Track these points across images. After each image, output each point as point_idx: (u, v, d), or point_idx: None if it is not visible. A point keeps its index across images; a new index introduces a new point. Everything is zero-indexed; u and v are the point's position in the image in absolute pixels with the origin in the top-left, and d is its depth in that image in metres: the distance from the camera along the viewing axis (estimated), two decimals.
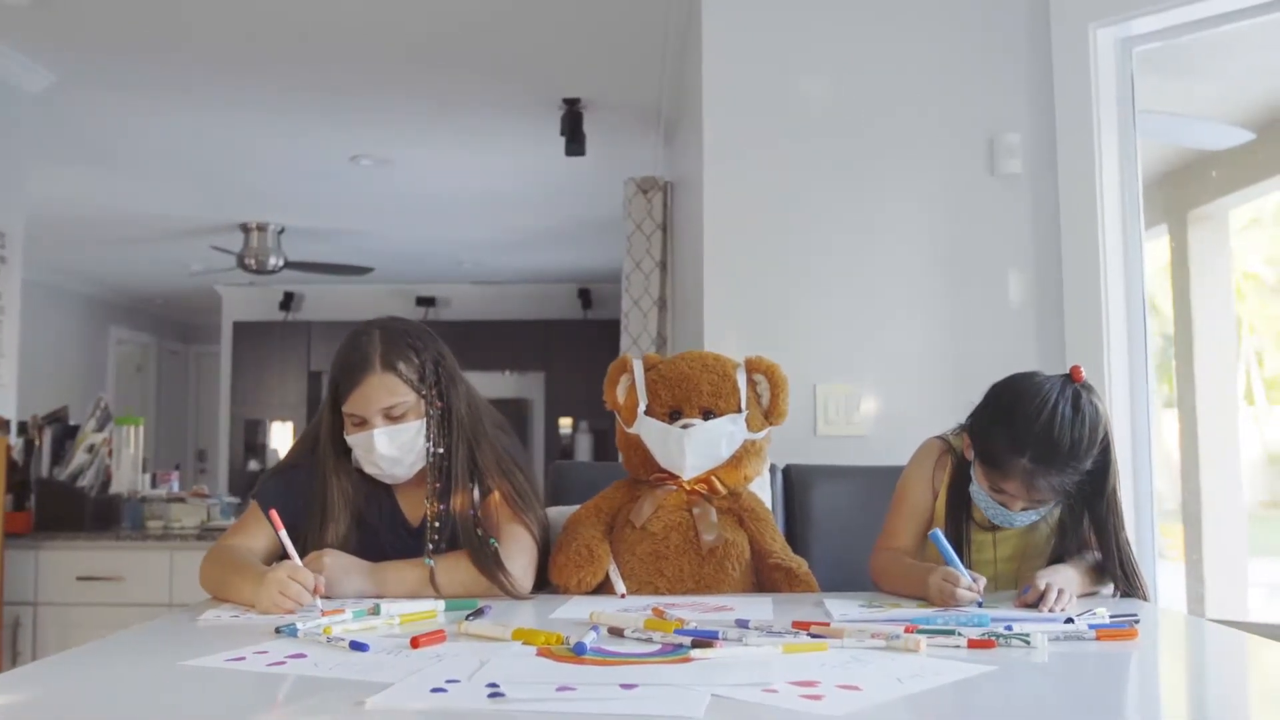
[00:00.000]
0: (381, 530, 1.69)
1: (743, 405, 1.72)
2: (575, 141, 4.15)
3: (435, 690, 0.99)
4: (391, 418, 1.61)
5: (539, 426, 8.58)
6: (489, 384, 8.50)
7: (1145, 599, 1.59)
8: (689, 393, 1.71)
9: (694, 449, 1.67)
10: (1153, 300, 4.51)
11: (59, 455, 3.24)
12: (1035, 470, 1.54)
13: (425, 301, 8.62)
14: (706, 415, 1.70)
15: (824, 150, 2.53)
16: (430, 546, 1.61)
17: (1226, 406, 4.28)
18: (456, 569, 1.59)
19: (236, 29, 3.51)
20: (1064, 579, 1.49)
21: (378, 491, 1.70)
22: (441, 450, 1.64)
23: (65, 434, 3.27)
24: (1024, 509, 1.60)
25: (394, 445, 1.61)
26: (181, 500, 3.39)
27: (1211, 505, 4.15)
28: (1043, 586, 1.44)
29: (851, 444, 2.45)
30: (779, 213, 2.52)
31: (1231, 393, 4.36)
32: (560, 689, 0.99)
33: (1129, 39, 2.45)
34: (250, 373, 8.57)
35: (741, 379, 1.74)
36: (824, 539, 2.06)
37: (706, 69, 2.56)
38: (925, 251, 2.51)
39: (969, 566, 1.65)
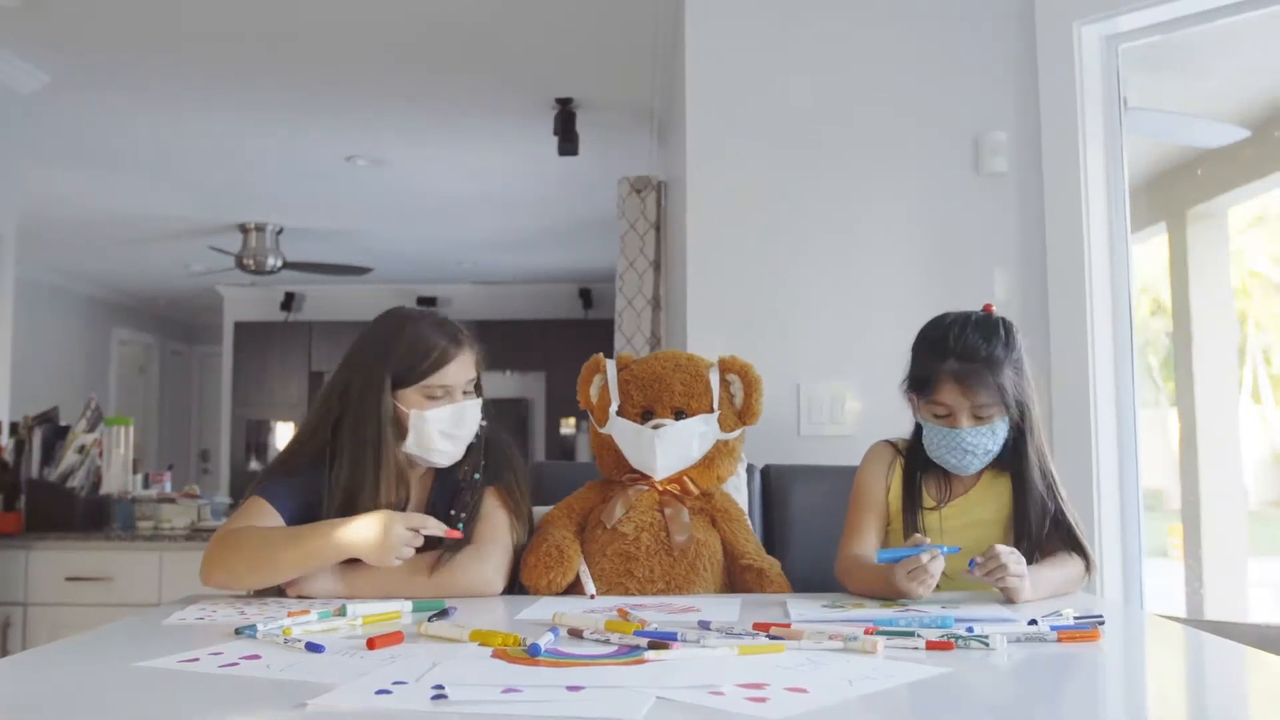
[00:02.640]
0: None
1: (715, 405, 1.72)
2: (568, 141, 4.15)
3: (380, 692, 0.98)
4: (465, 393, 1.67)
5: (540, 426, 8.58)
6: (490, 384, 8.40)
7: (1080, 536, 1.65)
8: (661, 393, 1.70)
9: (665, 449, 1.67)
10: (1157, 299, 4.50)
11: (49, 456, 3.25)
12: (962, 370, 1.63)
13: (426, 301, 8.61)
14: (678, 415, 1.70)
15: (808, 149, 2.52)
16: (462, 512, 1.64)
17: (1226, 404, 4.26)
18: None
19: (229, 30, 3.52)
20: (1020, 559, 1.49)
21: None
22: (485, 424, 1.72)
23: (55, 434, 3.27)
24: (969, 424, 1.64)
25: (475, 419, 1.68)
26: (172, 501, 3.39)
27: (1211, 504, 4.13)
28: (991, 552, 1.46)
29: (835, 444, 2.43)
30: (763, 212, 2.51)
31: (1231, 391, 4.34)
32: (506, 690, 0.98)
33: (1114, 36, 2.44)
34: (252, 373, 8.59)
35: (714, 379, 1.74)
36: (802, 539, 2.04)
37: (689, 68, 2.55)
38: (910, 250, 2.50)
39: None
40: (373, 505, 1.59)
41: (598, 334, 7.96)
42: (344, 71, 3.90)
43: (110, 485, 3.35)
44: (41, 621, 3.13)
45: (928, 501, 1.73)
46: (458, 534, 1.56)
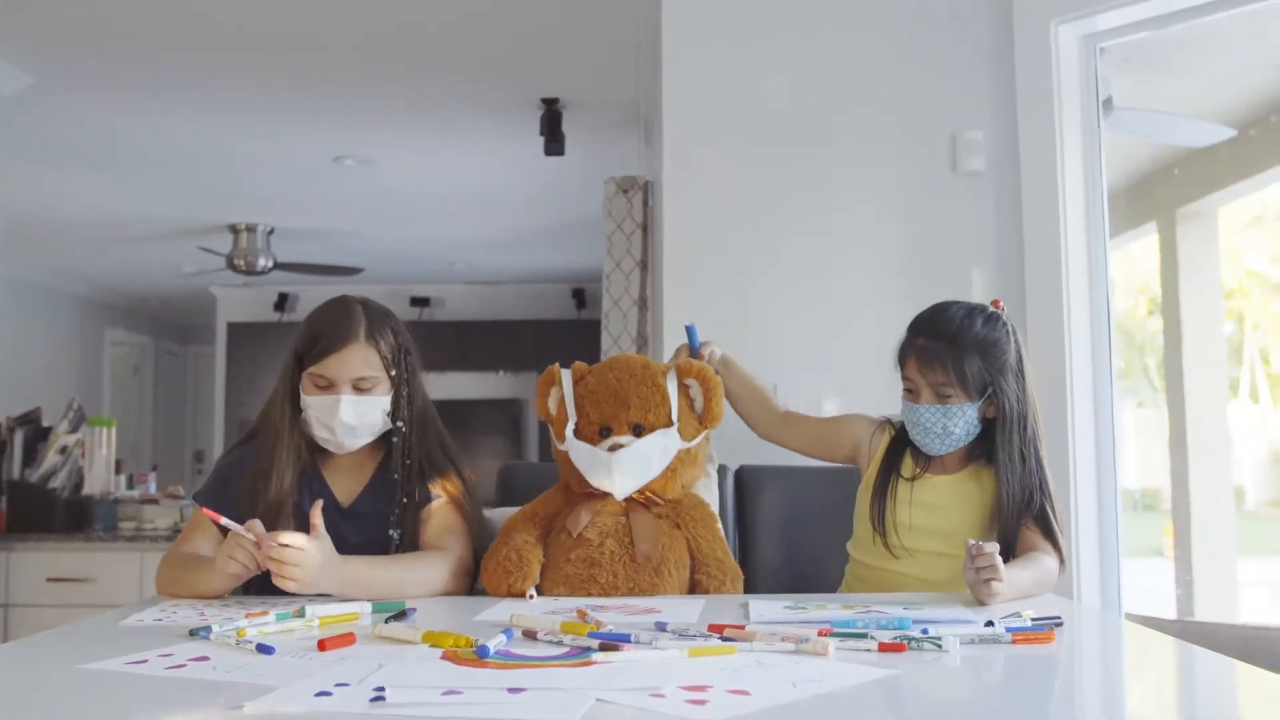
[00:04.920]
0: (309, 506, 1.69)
1: (673, 417, 1.68)
2: (554, 141, 4.14)
3: (320, 694, 0.98)
4: (360, 389, 1.66)
5: (533, 427, 8.57)
6: (483, 384, 8.51)
7: (1057, 534, 1.68)
8: (617, 410, 1.66)
9: (623, 471, 1.64)
10: (1154, 299, 4.48)
11: (31, 456, 3.24)
12: (925, 347, 1.70)
13: (420, 302, 8.61)
14: (636, 429, 1.67)
15: (785, 149, 2.51)
16: (395, 519, 1.68)
17: (1216, 404, 4.25)
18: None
19: (214, 31, 3.51)
20: (999, 556, 1.49)
21: (308, 471, 1.72)
22: (405, 428, 1.70)
23: (38, 435, 3.27)
24: (928, 402, 1.70)
25: (356, 414, 1.66)
26: (154, 502, 3.38)
27: (1200, 504, 4.13)
28: (985, 548, 1.47)
29: None
30: (740, 212, 2.51)
31: (1221, 390, 4.33)
32: (446, 693, 0.97)
33: (1092, 35, 2.43)
34: (245, 373, 8.57)
35: (672, 386, 1.70)
36: (775, 540, 2.04)
37: (666, 68, 2.55)
38: (887, 250, 2.49)
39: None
40: (268, 480, 1.65)
41: (591, 334, 7.93)
42: (330, 71, 3.90)
43: (92, 486, 3.35)
44: (22, 622, 3.12)
45: (907, 471, 1.78)
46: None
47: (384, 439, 1.73)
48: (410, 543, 1.69)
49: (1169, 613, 3.86)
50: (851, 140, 2.50)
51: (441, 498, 1.72)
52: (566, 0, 3.31)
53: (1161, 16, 2.36)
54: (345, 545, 1.57)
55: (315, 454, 1.73)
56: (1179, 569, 4.11)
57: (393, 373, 1.69)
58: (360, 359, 1.65)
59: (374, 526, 1.69)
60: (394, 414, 1.70)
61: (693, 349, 1.92)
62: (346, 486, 1.74)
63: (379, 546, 1.67)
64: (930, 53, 2.51)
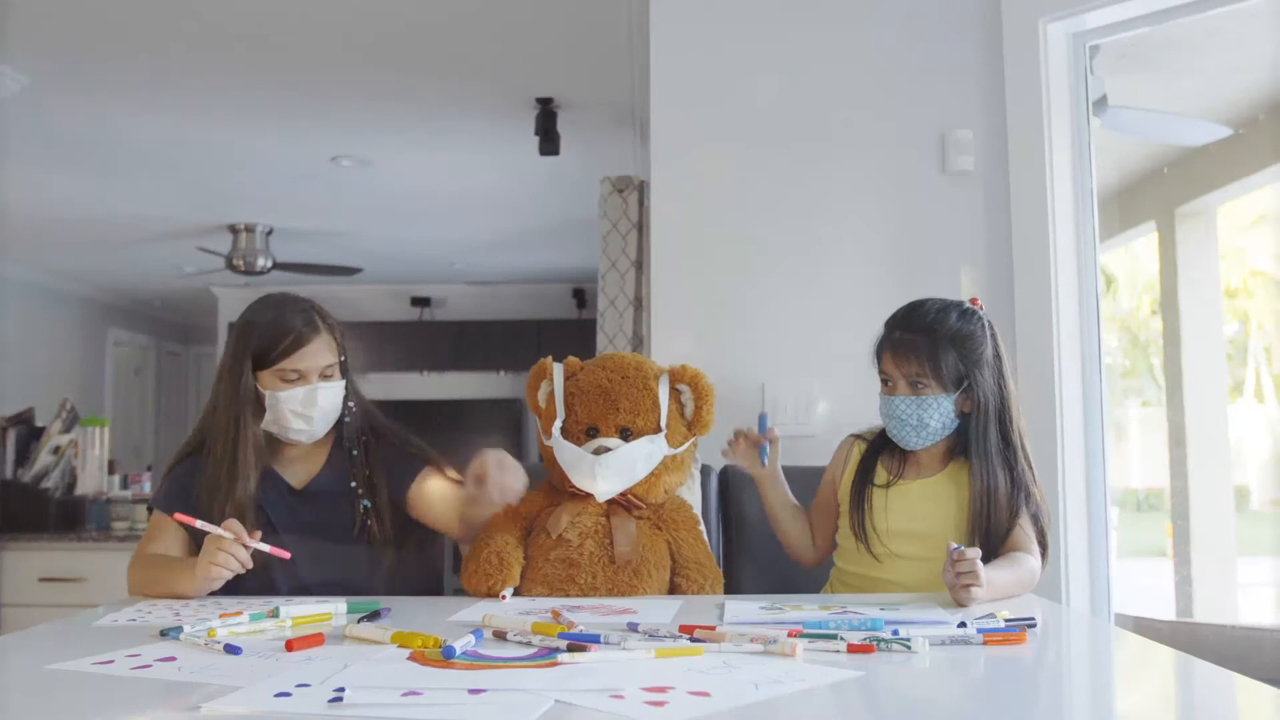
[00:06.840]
0: (261, 494, 1.75)
1: (662, 422, 1.66)
2: (549, 141, 4.13)
3: (279, 695, 0.97)
4: (325, 377, 1.75)
5: (533, 427, 8.56)
6: (483, 384, 8.49)
7: (1045, 529, 1.70)
8: (605, 410, 1.66)
9: (607, 475, 1.63)
10: (1158, 298, 4.47)
11: (23, 456, 3.25)
12: (900, 339, 1.72)
13: (420, 302, 8.61)
14: (624, 432, 1.66)
15: (774, 148, 2.50)
16: (361, 495, 1.76)
17: (1216, 403, 4.24)
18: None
19: (211, 31, 3.51)
20: (980, 561, 1.47)
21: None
22: (355, 406, 1.81)
23: (30, 435, 3.27)
24: (906, 393, 1.70)
25: (328, 400, 1.75)
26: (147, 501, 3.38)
27: (1199, 504, 4.11)
28: (967, 553, 1.45)
29: (802, 444, 2.41)
30: (729, 211, 2.50)
31: (1220, 389, 4.31)
32: (406, 694, 0.97)
33: (1081, 33, 2.42)
34: None
35: (664, 391, 1.68)
36: (759, 541, 2.03)
37: (654, 67, 2.55)
38: (877, 249, 2.48)
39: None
40: (230, 481, 1.69)
41: (591, 334, 7.93)
42: (326, 71, 3.90)
43: (85, 486, 3.35)
44: (14, 622, 3.12)
45: (881, 479, 1.77)
46: (284, 553, 1.57)
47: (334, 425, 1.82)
48: (391, 509, 1.76)
49: (1169, 613, 3.84)
50: (840, 139, 2.49)
51: (426, 468, 1.80)
52: (559, 1, 3.30)
53: (1150, 15, 2.34)
54: (305, 526, 1.62)
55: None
56: (1178, 569, 4.10)
57: (342, 359, 1.79)
58: (326, 349, 1.75)
59: (335, 504, 1.76)
60: (355, 396, 1.82)
61: (761, 431, 1.86)
62: (297, 474, 1.80)
63: (342, 523, 1.74)
64: (919, 51, 2.49)
